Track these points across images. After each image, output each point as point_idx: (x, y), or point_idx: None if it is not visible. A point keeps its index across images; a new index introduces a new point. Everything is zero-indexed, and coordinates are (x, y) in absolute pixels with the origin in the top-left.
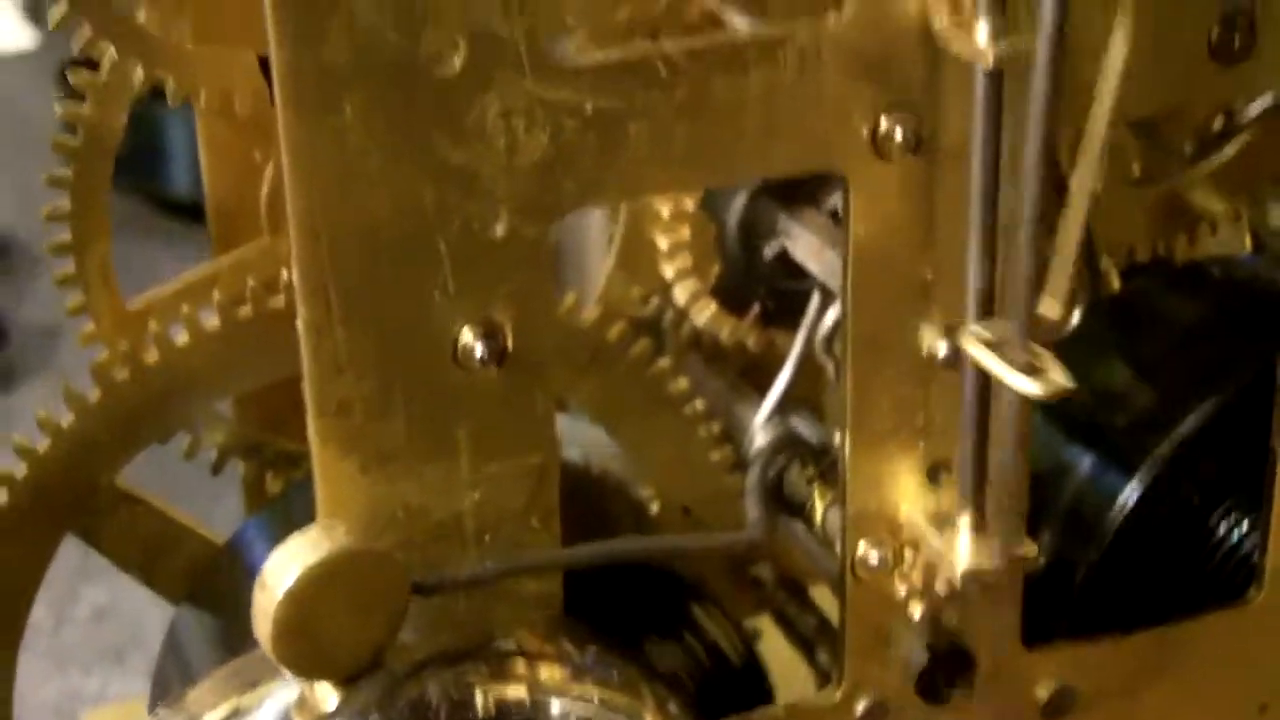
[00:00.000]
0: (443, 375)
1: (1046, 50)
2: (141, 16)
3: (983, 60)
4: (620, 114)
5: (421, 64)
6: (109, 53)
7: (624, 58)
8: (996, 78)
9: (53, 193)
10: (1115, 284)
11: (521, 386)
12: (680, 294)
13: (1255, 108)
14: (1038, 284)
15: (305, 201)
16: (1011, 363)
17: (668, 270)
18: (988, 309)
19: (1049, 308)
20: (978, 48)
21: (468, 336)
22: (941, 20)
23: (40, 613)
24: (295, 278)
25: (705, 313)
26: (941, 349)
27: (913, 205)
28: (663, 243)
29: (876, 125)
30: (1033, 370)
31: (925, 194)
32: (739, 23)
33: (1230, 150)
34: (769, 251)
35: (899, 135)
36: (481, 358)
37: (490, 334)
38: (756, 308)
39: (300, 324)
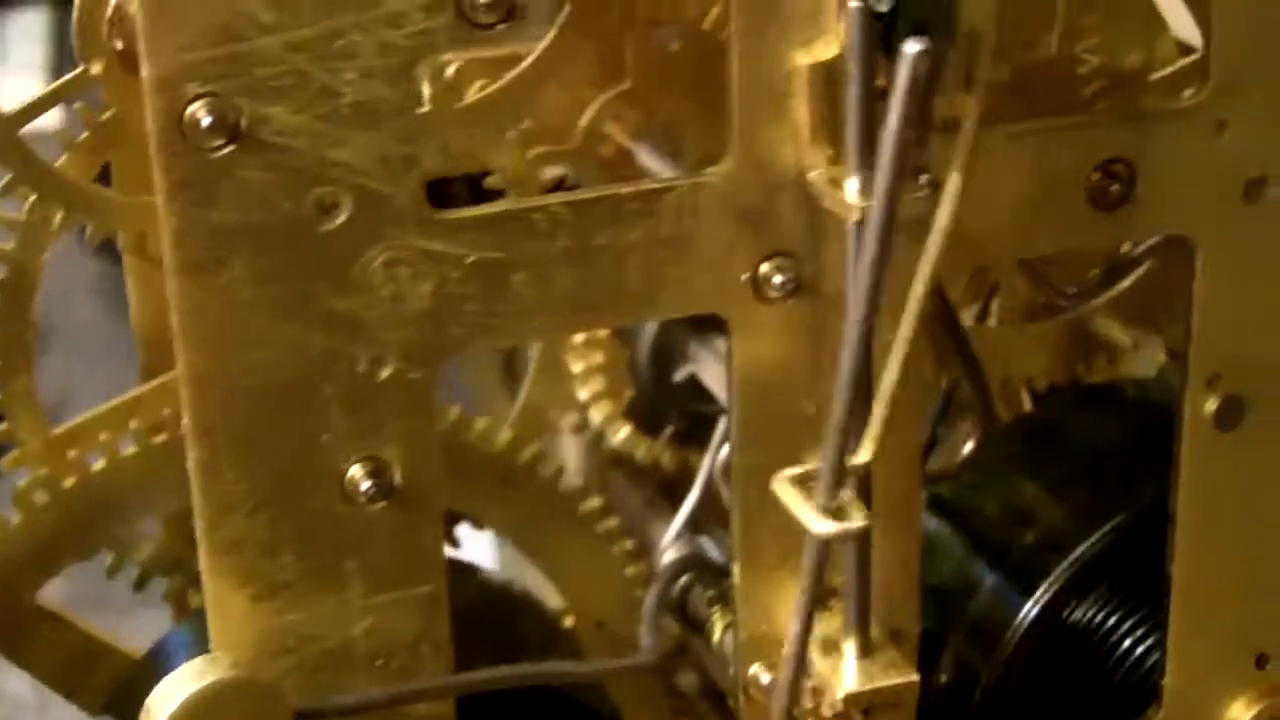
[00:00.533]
0: (332, 511)
1: (883, 203)
2: (61, 163)
3: (850, 215)
4: (502, 264)
5: (307, 221)
6: (29, 196)
7: (505, 209)
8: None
9: None
10: (1025, 405)
11: (410, 520)
12: (595, 415)
13: (1141, 248)
14: (849, 427)
15: (194, 353)
16: (816, 504)
17: (583, 393)
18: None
19: (862, 452)
20: (846, 203)
21: (356, 473)
22: (817, 173)
23: None
24: (185, 420)
25: (620, 433)
26: None
27: (795, 345)
28: (577, 366)
29: (757, 271)
30: (834, 512)
31: (807, 334)
32: (649, 161)
33: (1125, 284)
34: (679, 376)
35: (779, 280)
36: (369, 493)
37: (378, 471)
38: (670, 428)
39: (190, 464)
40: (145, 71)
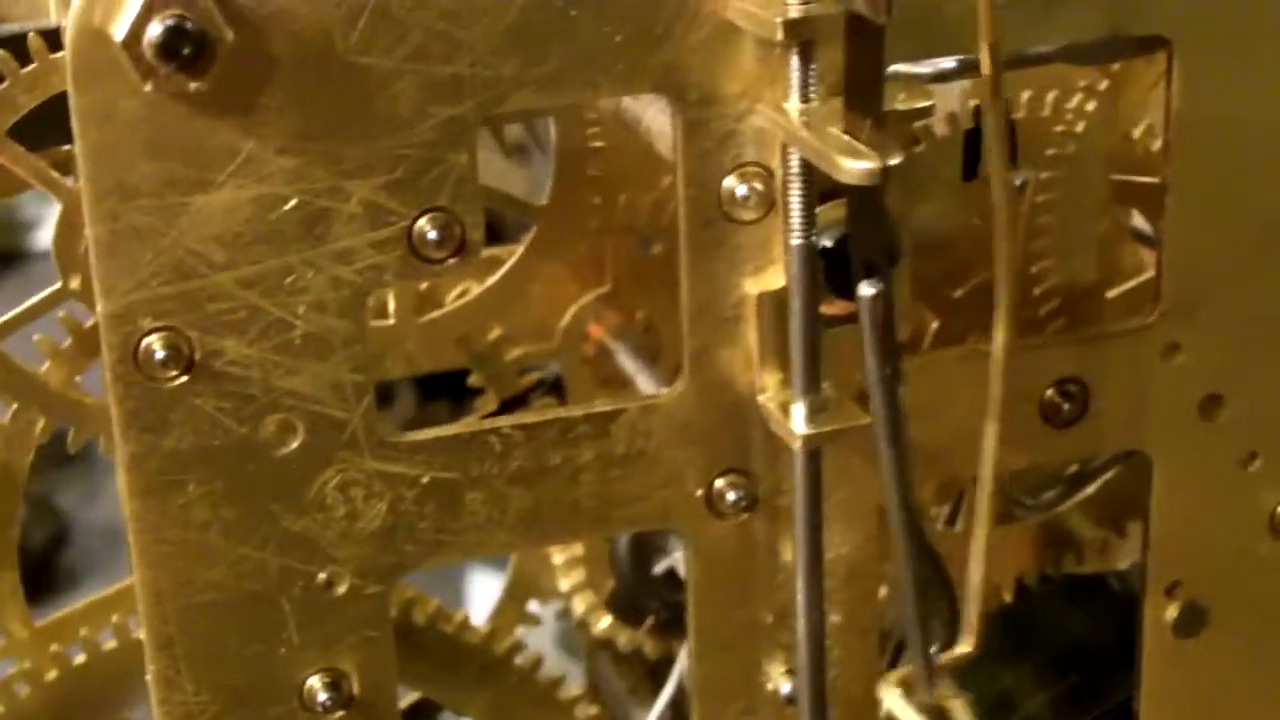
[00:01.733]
0: None
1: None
2: (44, 370)
3: (795, 443)
4: (456, 484)
5: (261, 446)
6: (12, 404)
7: (458, 432)
8: (813, 455)
9: None
10: (1006, 597)
11: None
12: (578, 605)
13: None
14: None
15: (150, 570)
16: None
17: (564, 583)
18: (819, 653)
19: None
20: (791, 430)
21: (314, 684)
22: (767, 395)
23: None
24: (143, 634)
25: (601, 622)
26: (785, 687)
27: (750, 557)
28: (558, 558)
29: (710, 487)
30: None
31: (763, 546)
32: (627, 364)
33: (1086, 491)
34: (659, 568)
35: (732, 496)
36: (326, 704)
37: (335, 683)
38: (651, 619)
39: (149, 676)
40: (100, 307)
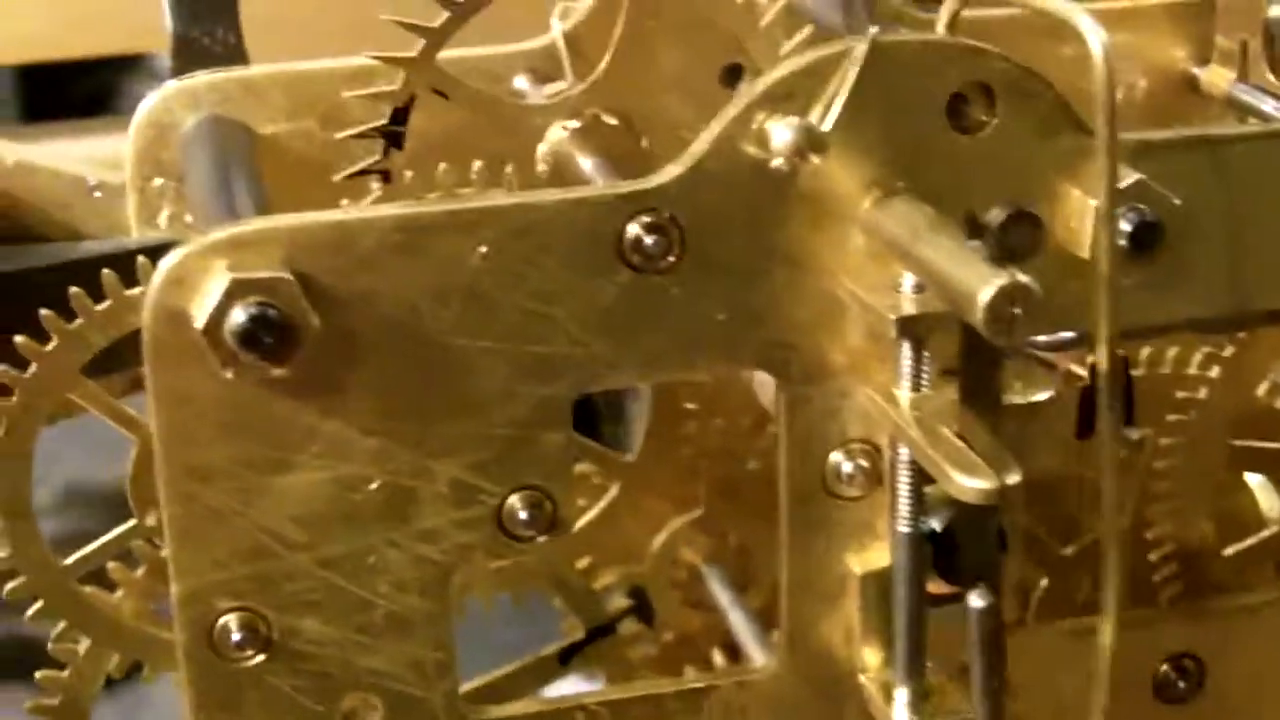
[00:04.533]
0: None
1: None
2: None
3: None
4: None
5: None
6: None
7: (541, 709)
8: None
9: None
10: None
11: None
12: None
13: None
14: None
15: None
16: None
17: None
18: None
19: None
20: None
21: None
22: (868, 676)
23: None
24: None
25: None
26: None
27: None
28: None
29: None
30: None
31: None
32: (719, 592)
33: None
34: None
35: None
36: None
37: None
38: None
39: None
40: (174, 588)
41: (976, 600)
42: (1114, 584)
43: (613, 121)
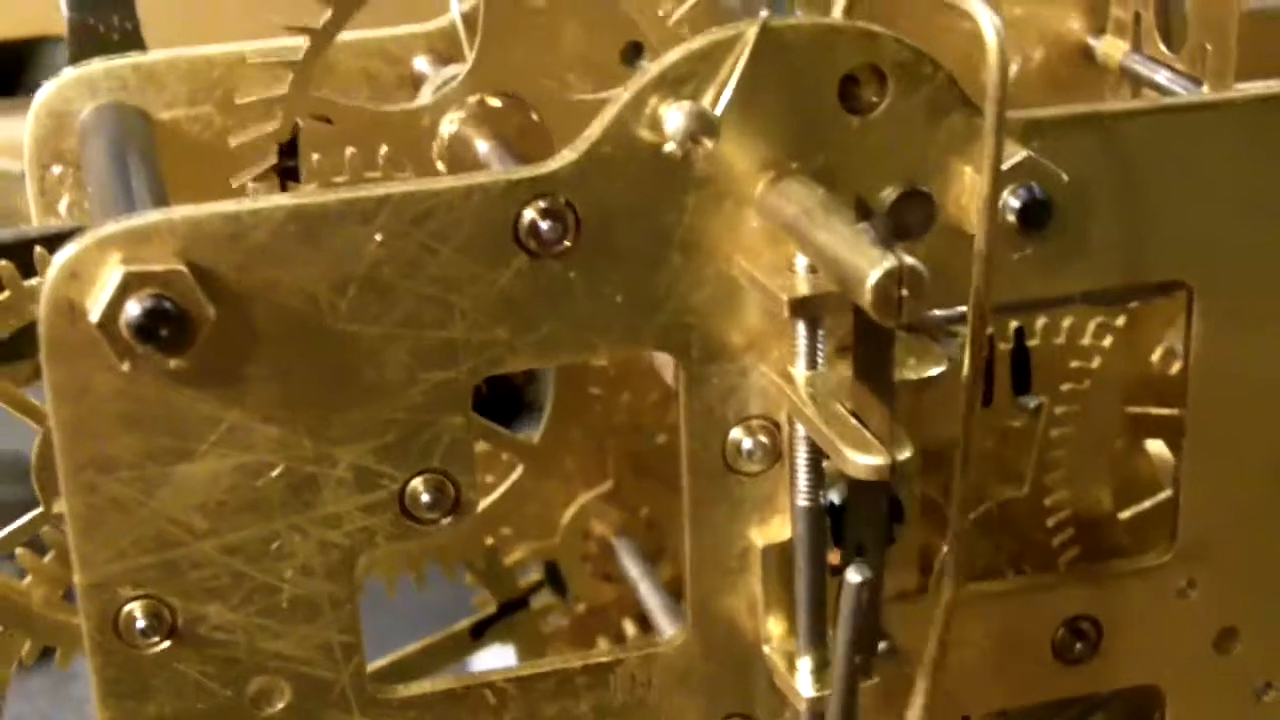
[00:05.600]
0: None
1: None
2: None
3: (800, 704)
4: None
5: (245, 709)
6: None
7: (449, 687)
8: (818, 715)
9: None
10: None
11: None
12: None
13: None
14: None
15: None
16: None
17: None
18: None
19: None
20: (797, 691)
21: None
22: (772, 646)
23: None
24: None
25: None
26: None
27: None
28: None
29: None
30: None
31: None
32: (630, 564)
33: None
34: None
35: None
36: None
37: None
38: None
39: None
40: (77, 578)
41: (854, 574)
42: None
43: (497, 103)
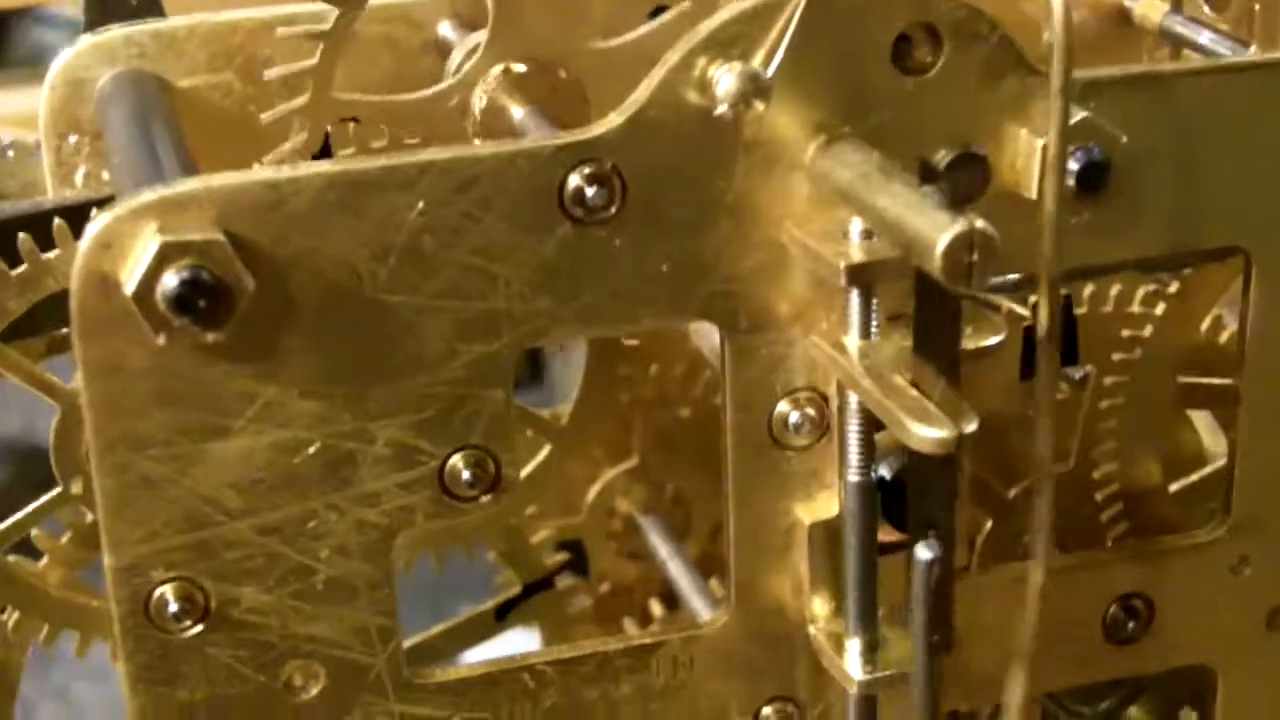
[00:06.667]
0: None
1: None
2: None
3: (851, 686)
4: None
5: (279, 693)
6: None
7: (487, 671)
8: (869, 698)
9: None
10: None
11: None
12: None
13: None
14: None
15: None
16: None
17: None
18: None
19: None
20: (846, 673)
21: None
22: (818, 627)
23: None
24: None
25: None
26: None
27: None
28: None
29: (757, 715)
30: None
31: None
32: (657, 541)
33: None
34: None
35: None
36: None
37: None
38: None
39: None
40: (106, 560)
41: (924, 551)
42: (1045, 528)
43: (522, 68)
